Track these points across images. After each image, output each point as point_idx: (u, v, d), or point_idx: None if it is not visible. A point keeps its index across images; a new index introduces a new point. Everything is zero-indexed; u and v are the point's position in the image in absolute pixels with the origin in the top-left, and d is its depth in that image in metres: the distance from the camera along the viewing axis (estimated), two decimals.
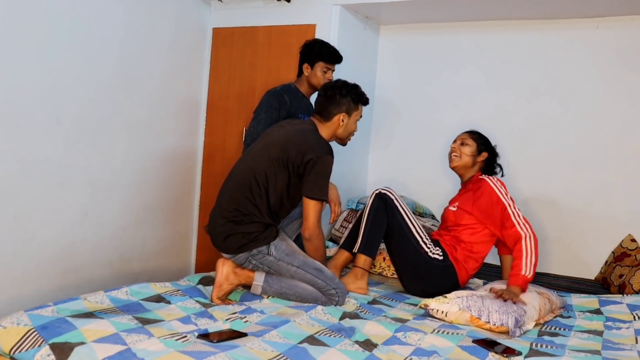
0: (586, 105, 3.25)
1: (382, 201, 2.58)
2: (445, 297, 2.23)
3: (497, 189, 2.56)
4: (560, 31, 3.30)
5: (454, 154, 2.73)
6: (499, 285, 2.43)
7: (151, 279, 3.22)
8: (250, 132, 2.81)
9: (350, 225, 2.90)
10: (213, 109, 3.68)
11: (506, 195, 2.55)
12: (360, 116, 2.53)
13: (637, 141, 3.12)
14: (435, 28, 3.63)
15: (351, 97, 2.45)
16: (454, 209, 2.68)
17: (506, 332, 2.07)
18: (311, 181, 2.31)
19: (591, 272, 3.17)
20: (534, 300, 2.26)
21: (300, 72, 2.95)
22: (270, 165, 2.32)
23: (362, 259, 2.57)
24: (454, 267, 2.57)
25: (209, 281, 2.45)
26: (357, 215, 3.25)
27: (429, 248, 2.57)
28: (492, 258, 3.01)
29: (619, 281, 2.81)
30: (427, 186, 3.62)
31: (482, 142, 2.71)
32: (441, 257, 2.56)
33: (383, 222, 2.58)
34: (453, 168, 2.73)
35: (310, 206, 2.32)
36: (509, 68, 3.44)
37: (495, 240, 2.64)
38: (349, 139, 2.56)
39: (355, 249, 2.61)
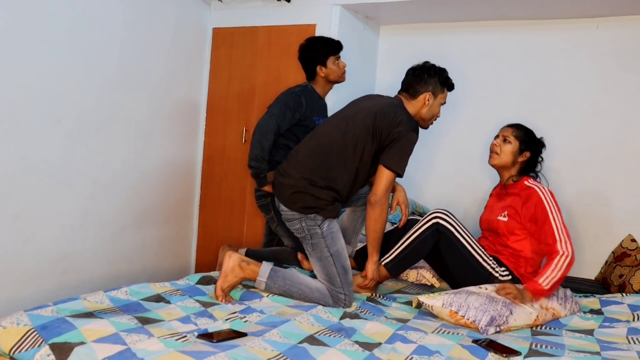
0: (586, 105, 3.25)
1: (436, 234, 2.43)
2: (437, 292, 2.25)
3: (547, 201, 2.42)
4: (560, 31, 3.30)
5: (494, 151, 2.60)
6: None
7: (151, 279, 3.22)
8: (260, 125, 2.80)
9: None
10: (213, 109, 3.68)
11: (555, 207, 2.41)
12: (444, 102, 2.49)
13: (637, 141, 3.12)
14: (435, 28, 3.63)
15: (438, 78, 2.44)
16: (505, 219, 2.53)
17: (477, 330, 2.08)
18: (393, 152, 2.31)
19: (591, 272, 3.17)
20: (532, 308, 2.25)
21: (311, 76, 2.95)
22: (362, 132, 2.32)
23: (384, 274, 2.51)
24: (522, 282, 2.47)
25: (208, 281, 2.45)
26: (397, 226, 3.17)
27: (497, 272, 2.47)
28: None
29: (619, 281, 2.81)
30: (427, 185, 3.62)
31: (525, 140, 2.57)
32: (510, 278, 2.47)
33: (423, 254, 2.49)
34: (492, 165, 2.62)
35: (385, 174, 2.31)
36: (509, 68, 3.44)
37: None
38: (431, 123, 2.52)
39: (383, 260, 2.50)
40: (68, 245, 2.83)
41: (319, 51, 2.88)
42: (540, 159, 2.62)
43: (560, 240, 2.33)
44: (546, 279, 2.25)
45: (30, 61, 2.57)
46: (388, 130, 2.30)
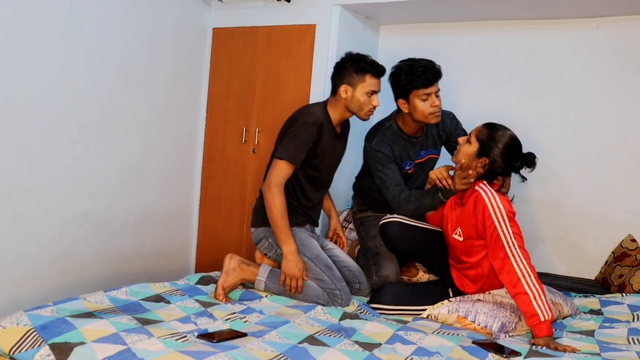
0: (586, 106, 3.24)
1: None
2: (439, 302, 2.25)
3: (493, 208, 2.08)
4: (560, 31, 3.30)
5: (456, 149, 2.30)
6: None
7: (151, 279, 3.21)
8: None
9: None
10: (213, 109, 3.67)
11: (502, 217, 2.06)
12: (373, 90, 2.36)
13: (637, 141, 3.12)
14: (435, 28, 3.63)
15: (353, 67, 2.35)
16: (460, 238, 2.23)
17: (489, 335, 2.07)
18: (282, 143, 2.36)
19: (591, 272, 3.17)
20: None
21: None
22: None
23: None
24: None
25: (208, 281, 2.46)
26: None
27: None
28: None
29: (619, 281, 2.81)
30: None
31: (486, 144, 2.19)
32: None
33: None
34: None
35: (273, 164, 2.36)
36: (509, 68, 3.44)
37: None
38: (368, 113, 2.40)
39: None
40: (68, 245, 2.83)
41: (400, 81, 2.47)
42: (502, 171, 2.20)
43: (516, 261, 2.01)
44: (541, 311, 1.94)
45: (30, 61, 2.57)
46: (286, 129, 2.40)
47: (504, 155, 2.19)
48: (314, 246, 2.41)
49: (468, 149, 2.22)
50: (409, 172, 2.61)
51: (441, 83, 2.59)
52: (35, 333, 1.66)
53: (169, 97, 3.39)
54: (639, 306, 2.40)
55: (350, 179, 3.73)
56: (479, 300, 2.20)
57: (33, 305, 2.00)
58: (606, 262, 3.11)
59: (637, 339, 2.05)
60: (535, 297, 1.96)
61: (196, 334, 1.80)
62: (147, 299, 2.12)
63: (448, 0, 3.17)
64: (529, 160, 2.23)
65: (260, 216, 2.42)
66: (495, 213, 2.07)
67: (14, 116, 2.52)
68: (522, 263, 2.01)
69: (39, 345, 1.61)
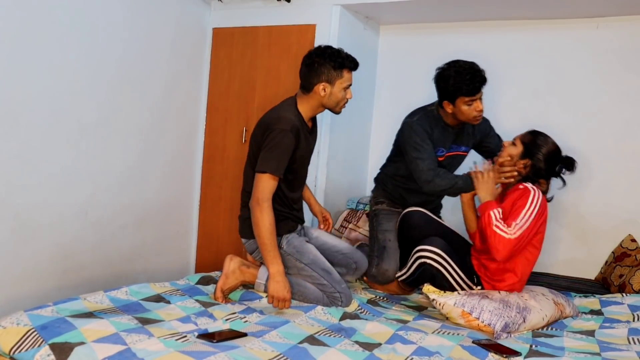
0: (586, 105, 3.25)
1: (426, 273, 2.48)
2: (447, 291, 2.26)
3: (534, 197, 2.28)
4: (560, 31, 3.30)
5: (500, 150, 2.50)
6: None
7: (151, 279, 3.21)
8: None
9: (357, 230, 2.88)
10: (213, 109, 3.67)
11: (534, 207, 2.26)
12: (349, 83, 2.34)
13: (637, 141, 3.12)
14: (435, 28, 3.63)
15: (332, 64, 2.27)
16: None
17: (491, 333, 2.07)
18: (262, 155, 2.26)
19: (591, 272, 3.17)
20: (547, 310, 2.24)
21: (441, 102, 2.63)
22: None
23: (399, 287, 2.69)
24: None
25: (208, 281, 2.46)
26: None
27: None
28: None
29: (619, 281, 2.81)
30: None
31: (529, 147, 2.39)
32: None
33: (428, 278, 2.55)
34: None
35: (257, 179, 2.26)
36: (509, 68, 3.44)
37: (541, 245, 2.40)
38: (342, 107, 2.39)
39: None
40: (68, 245, 2.83)
41: (448, 86, 2.54)
42: (544, 174, 2.41)
43: (516, 224, 2.23)
44: (494, 214, 2.26)
45: (30, 61, 2.57)
46: (262, 137, 2.29)
47: (546, 159, 2.40)
48: (309, 251, 2.37)
49: (512, 150, 2.44)
50: (440, 159, 2.67)
51: None
52: (35, 333, 1.66)
53: (169, 97, 3.39)
54: (639, 306, 2.40)
55: (352, 180, 3.75)
56: (487, 296, 2.21)
57: (33, 305, 2.00)
58: (606, 262, 3.11)
59: (637, 339, 2.05)
60: (497, 221, 2.26)
61: (196, 333, 1.80)
62: (147, 299, 2.12)
63: (448, 0, 3.17)
64: (569, 164, 2.45)
65: (249, 228, 2.33)
66: (533, 200, 2.28)
67: (14, 115, 2.52)
68: (516, 228, 2.23)
69: (39, 345, 1.61)
